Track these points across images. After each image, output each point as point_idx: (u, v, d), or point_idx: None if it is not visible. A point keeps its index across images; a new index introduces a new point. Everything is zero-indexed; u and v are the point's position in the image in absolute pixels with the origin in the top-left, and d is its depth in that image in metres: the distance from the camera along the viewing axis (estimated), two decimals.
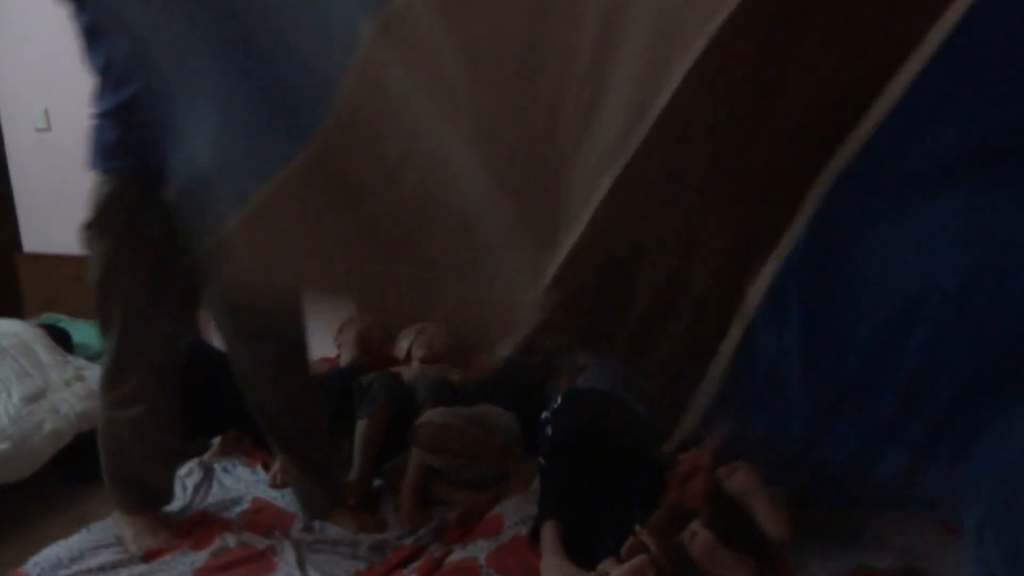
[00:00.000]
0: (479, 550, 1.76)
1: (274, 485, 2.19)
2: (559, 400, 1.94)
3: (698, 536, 1.49)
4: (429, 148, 1.06)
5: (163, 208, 1.42)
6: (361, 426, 2.22)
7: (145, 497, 1.94)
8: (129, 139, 1.67)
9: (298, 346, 1.97)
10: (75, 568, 1.76)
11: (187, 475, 2.24)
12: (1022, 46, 0.82)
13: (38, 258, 3.75)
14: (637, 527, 1.57)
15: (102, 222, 1.74)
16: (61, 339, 3.20)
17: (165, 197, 1.40)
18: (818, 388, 0.96)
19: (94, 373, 3.02)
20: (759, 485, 1.54)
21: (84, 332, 3.31)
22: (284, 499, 2.12)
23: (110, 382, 1.83)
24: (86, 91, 1.98)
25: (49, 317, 3.53)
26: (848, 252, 0.92)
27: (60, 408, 2.79)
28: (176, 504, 2.07)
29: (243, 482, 2.25)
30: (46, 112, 3.54)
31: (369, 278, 1.26)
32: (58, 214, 3.59)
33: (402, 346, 2.87)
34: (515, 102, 1.02)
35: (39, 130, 3.58)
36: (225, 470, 2.32)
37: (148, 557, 1.83)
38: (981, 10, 0.78)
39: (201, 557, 1.81)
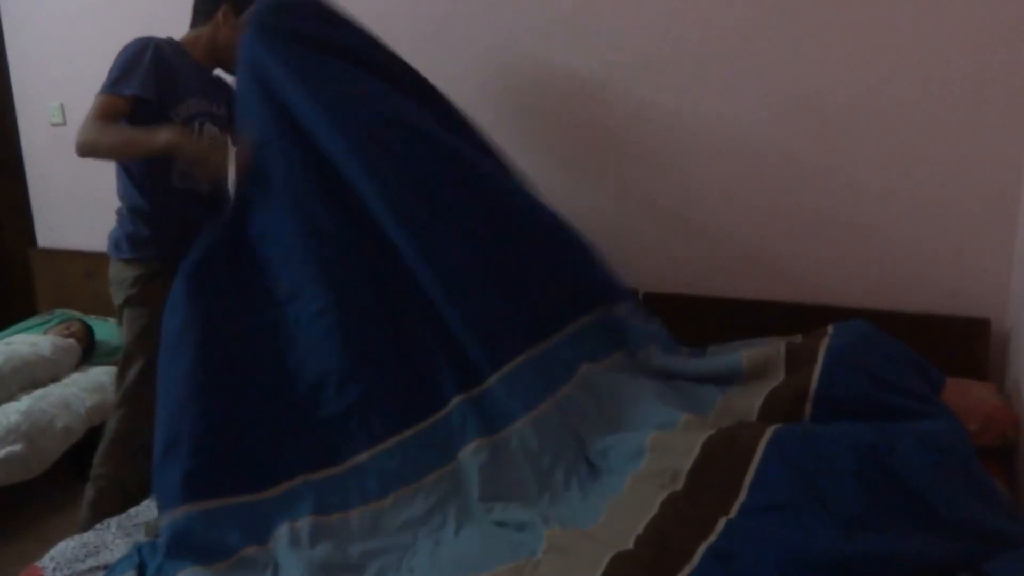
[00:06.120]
0: None
1: None
2: None
3: None
4: None
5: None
6: None
7: None
8: (158, 237, 2.19)
9: None
10: (90, 563, 1.75)
11: None
12: None
13: (52, 253, 3.74)
14: None
15: (140, 298, 2.18)
16: (89, 333, 3.23)
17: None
18: None
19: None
20: None
21: (100, 330, 3.33)
22: None
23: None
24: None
25: (64, 313, 3.54)
26: None
27: (71, 404, 2.80)
28: None
29: None
30: (62, 107, 3.54)
31: None
32: (72, 210, 3.61)
33: None
34: None
35: (54, 124, 3.58)
36: None
37: None
38: None
39: None
